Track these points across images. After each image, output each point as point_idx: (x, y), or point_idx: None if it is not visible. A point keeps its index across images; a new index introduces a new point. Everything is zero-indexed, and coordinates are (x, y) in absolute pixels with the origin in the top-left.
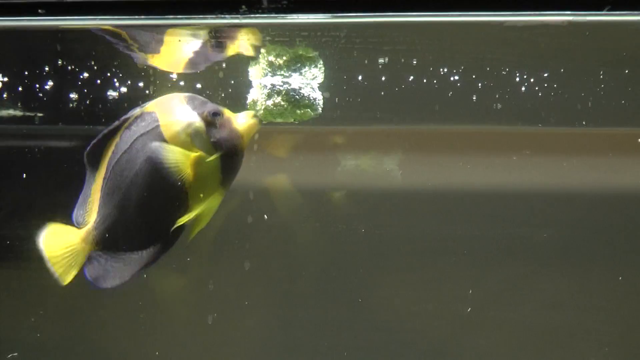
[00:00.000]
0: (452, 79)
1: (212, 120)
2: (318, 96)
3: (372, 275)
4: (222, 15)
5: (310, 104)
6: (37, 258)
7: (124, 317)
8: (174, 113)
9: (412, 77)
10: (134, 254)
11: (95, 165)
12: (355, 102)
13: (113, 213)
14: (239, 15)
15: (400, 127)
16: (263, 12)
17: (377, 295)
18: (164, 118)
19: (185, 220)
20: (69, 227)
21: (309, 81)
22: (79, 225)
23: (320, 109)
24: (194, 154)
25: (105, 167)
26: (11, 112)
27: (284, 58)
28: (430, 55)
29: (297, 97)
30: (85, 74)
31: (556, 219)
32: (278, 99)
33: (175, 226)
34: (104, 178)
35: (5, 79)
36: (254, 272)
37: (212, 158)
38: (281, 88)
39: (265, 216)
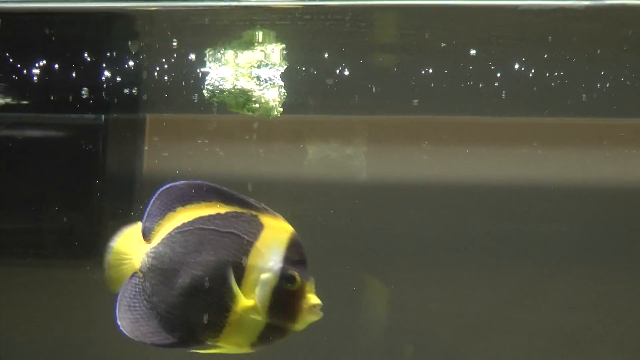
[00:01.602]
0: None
1: (282, 285)
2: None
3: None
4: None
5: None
6: None
7: None
8: (270, 246)
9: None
10: (150, 324)
11: (187, 199)
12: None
13: (164, 264)
14: None
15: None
16: None
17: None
18: (262, 242)
19: (204, 351)
20: (138, 238)
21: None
22: (144, 235)
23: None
24: (245, 302)
25: (192, 217)
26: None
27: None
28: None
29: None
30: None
31: (564, 214)
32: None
33: (196, 343)
34: (183, 224)
35: None
36: None
37: (255, 317)
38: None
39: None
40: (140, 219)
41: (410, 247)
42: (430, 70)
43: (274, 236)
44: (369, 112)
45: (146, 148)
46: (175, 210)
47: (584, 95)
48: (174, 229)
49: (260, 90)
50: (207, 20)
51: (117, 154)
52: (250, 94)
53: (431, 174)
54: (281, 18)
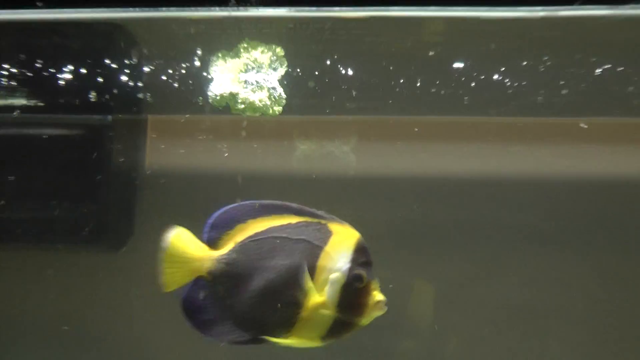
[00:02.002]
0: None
1: (350, 283)
2: (282, 93)
3: None
4: (213, 8)
5: (281, 100)
6: None
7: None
8: (338, 250)
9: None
10: (225, 324)
11: (258, 213)
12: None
13: (238, 269)
14: (228, 8)
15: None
16: (252, 5)
17: None
18: (331, 246)
19: (275, 341)
20: (196, 240)
21: (279, 79)
22: (207, 243)
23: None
24: (316, 298)
25: (264, 227)
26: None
27: (271, 56)
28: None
29: (275, 95)
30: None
31: (529, 205)
32: (263, 96)
33: (266, 337)
34: (256, 234)
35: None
36: None
37: (325, 312)
38: (264, 85)
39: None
40: (176, 222)
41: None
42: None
43: (342, 241)
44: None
45: (147, 145)
46: (245, 222)
47: (539, 98)
48: (246, 238)
49: (245, 92)
50: (202, 28)
51: (122, 150)
52: (237, 96)
53: (404, 169)
54: (267, 27)
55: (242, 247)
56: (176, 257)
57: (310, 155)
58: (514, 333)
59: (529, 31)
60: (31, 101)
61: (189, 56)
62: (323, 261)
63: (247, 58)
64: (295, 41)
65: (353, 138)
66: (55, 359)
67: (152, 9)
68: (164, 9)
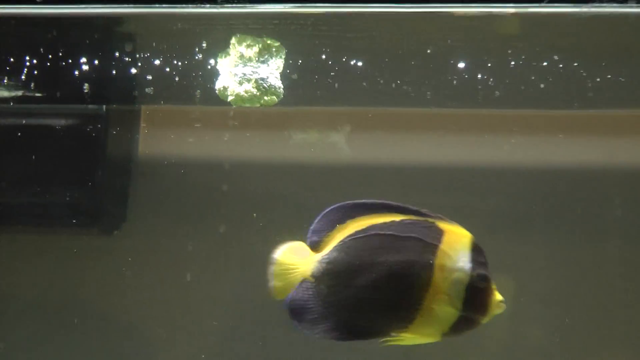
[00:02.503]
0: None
1: (475, 282)
2: (279, 84)
3: None
4: (202, 5)
5: (275, 91)
6: None
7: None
8: (455, 249)
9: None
10: (329, 320)
11: (357, 213)
12: (315, 85)
13: (340, 267)
14: (217, 6)
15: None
16: (240, 2)
17: None
18: (446, 245)
19: (391, 341)
20: (303, 247)
21: (274, 70)
22: (311, 249)
23: (282, 95)
24: (442, 297)
25: (365, 226)
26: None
27: (255, 49)
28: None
29: (265, 85)
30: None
31: (497, 192)
32: (249, 86)
33: (380, 335)
34: (356, 232)
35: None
36: (228, 235)
37: (451, 310)
38: (251, 77)
39: None
40: (290, 235)
41: None
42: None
43: (457, 240)
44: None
45: (141, 133)
46: (344, 223)
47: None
48: (346, 237)
49: (233, 84)
50: (192, 24)
51: (116, 139)
52: (227, 89)
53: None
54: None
55: (343, 245)
56: (282, 265)
57: (303, 144)
58: None
59: (495, 27)
60: (29, 92)
61: (182, 51)
62: (441, 259)
63: (235, 52)
64: (290, 35)
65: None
66: (50, 338)
67: (147, 5)
68: (157, 5)
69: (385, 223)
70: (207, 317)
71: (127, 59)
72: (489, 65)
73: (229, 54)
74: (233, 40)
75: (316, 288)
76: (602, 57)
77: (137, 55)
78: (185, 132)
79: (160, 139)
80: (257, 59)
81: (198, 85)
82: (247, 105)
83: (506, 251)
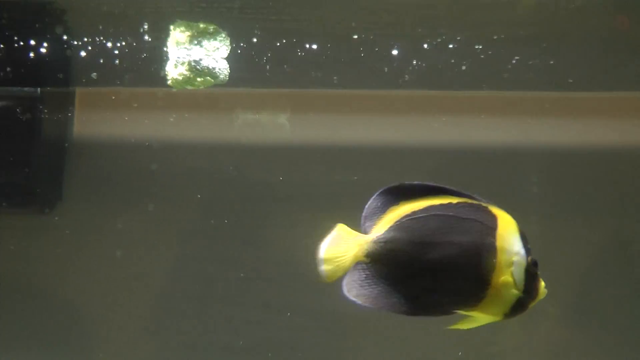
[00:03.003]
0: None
1: (530, 267)
2: (221, 65)
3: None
4: None
5: (210, 72)
6: None
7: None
8: (510, 233)
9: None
10: (394, 296)
11: (411, 194)
12: (252, 68)
13: (400, 246)
14: None
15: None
16: None
17: (267, 232)
18: (502, 229)
19: (457, 325)
20: (353, 232)
21: (210, 52)
22: (365, 232)
23: (223, 76)
24: (509, 278)
25: (422, 206)
26: None
27: (187, 34)
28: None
29: (198, 67)
30: None
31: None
32: (182, 69)
33: (448, 313)
34: (414, 212)
35: None
36: (158, 213)
37: (514, 292)
38: (184, 60)
39: None
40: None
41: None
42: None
43: (509, 225)
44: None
45: (75, 115)
46: (397, 204)
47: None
48: (402, 217)
49: (168, 68)
50: (123, 8)
51: (51, 120)
52: (167, 73)
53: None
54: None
55: (401, 225)
56: (336, 251)
57: (234, 125)
58: None
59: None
60: None
61: (116, 34)
62: (500, 242)
63: (172, 38)
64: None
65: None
66: None
67: None
68: None
69: (443, 204)
70: (137, 291)
71: (61, 42)
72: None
73: (168, 40)
74: (171, 27)
75: (374, 267)
76: (519, 41)
77: (71, 38)
78: (119, 113)
79: (94, 121)
80: (190, 42)
81: (131, 68)
82: (188, 87)
83: None
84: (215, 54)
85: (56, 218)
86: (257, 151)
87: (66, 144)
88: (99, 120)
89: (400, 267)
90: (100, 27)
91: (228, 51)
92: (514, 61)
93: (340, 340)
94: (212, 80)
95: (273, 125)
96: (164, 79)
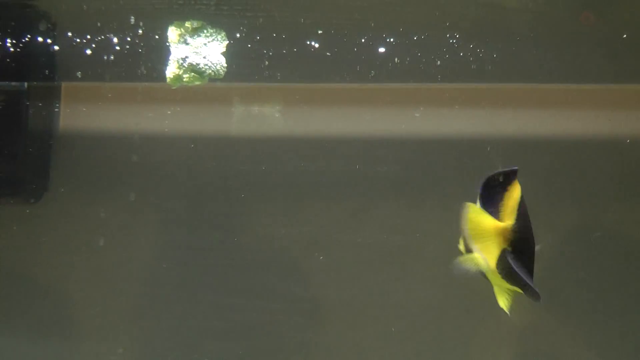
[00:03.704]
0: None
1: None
2: (218, 61)
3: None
4: None
5: (207, 68)
6: None
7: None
8: None
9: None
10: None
11: (510, 179)
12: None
13: (529, 235)
14: None
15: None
16: None
17: (245, 220)
18: None
19: None
20: (488, 217)
21: (196, 49)
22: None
23: (220, 72)
24: None
25: (519, 192)
26: None
27: (176, 32)
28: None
29: (184, 64)
30: None
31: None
32: (173, 68)
33: None
34: (521, 197)
35: None
36: (139, 202)
37: None
38: (180, 57)
39: None
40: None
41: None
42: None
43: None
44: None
45: (61, 109)
46: (507, 190)
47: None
48: (518, 204)
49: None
50: (105, 5)
51: (37, 114)
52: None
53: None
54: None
55: (523, 213)
56: (482, 235)
57: (215, 117)
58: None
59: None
60: None
61: (99, 30)
62: None
63: (168, 37)
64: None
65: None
66: None
67: None
68: None
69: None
70: (119, 278)
71: (47, 37)
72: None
73: (160, 37)
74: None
75: (516, 257)
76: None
77: (57, 34)
78: (102, 107)
79: (79, 114)
80: (183, 39)
81: (115, 63)
82: (182, 84)
83: (398, 215)
84: (211, 50)
85: (42, 208)
86: (236, 142)
87: (52, 137)
88: (83, 114)
89: (531, 256)
90: (84, 25)
91: (224, 47)
92: (482, 55)
93: (320, 324)
94: (209, 77)
95: (259, 117)
96: (147, 74)
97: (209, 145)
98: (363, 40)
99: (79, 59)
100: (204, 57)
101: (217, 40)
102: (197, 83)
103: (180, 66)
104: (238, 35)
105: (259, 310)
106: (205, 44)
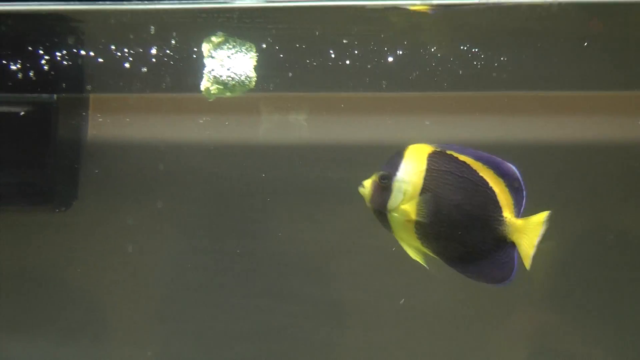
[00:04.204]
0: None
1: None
2: (250, 74)
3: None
4: (142, 2)
5: (240, 81)
6: None
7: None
8: None
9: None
10: None
11: None
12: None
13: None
14: (154, 1)
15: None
16: None
17: (268, 226)
18: None
19: None
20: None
21: (223, 62)
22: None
23: (252, 84)
24: None
25: None
26: None
27: (207, 46)
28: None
29: (210, 76)
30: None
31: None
32: (204, 82)
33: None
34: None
35: None
36: (166, 210)
37: None
38: (212, 70)
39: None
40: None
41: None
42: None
43: None
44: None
45: (89, 119)
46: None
47: None
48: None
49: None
50: (130, 19)
51: (67, 124)
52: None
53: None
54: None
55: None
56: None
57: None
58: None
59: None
60: None
61: (125, 44)
62: None
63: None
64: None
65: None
66: (7, 306)
67: (90, 2)
68: (99, 2)
69: None
70: (146, 283)
71: (76, 50)
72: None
73: (195, 50)
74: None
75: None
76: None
77: (85, 48)
78: (129, 117)
79: (107, 124)
80: (215, 52)
81: (142, 75)
82: (220, 95)
83: None
84: (239, 62)
85: (72, 216)
86: (260, 150)
87: (81, 146)
88: (111, 124)
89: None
90: (112, 38)
91: (253, 59)
92: (497, 63)
93: (342, 326)
94: (222, 88)
95: (283, 125)
96: (172, 85)
97: (234, 153)
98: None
99: (106, 71)
100: (233, 70)
101: (244, 51)
102: (229, 94)
103: (211, 79)
104: (264, 45)
105: (283, 313)
106: (229, 57)
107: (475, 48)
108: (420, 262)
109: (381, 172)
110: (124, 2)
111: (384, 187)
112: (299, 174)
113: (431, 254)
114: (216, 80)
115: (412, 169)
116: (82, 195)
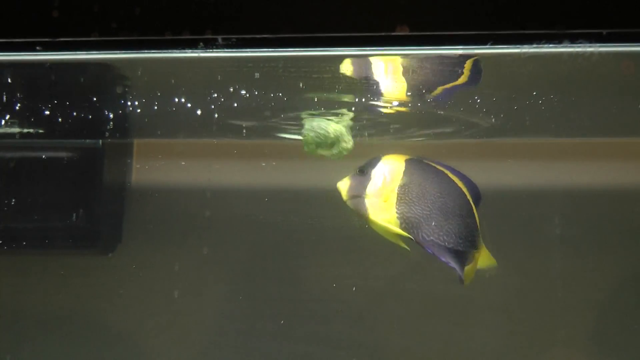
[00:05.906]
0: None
1: None
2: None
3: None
4: (185, 51)
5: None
6: None
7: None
8: None
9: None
10: None
11: None
12: None
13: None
14: (198, 51)
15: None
16: (218, 48)
17: (312, 272)
18: None
19: None
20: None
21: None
22: None
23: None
24: None
25: None
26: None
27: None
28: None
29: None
30: None
31: None
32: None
33: None
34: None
35: None
36: (212, 255)
37: None
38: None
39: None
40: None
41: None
42: None
43: None
44: None
45: (133, 164)
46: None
47: None
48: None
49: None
50: (176, 68)
51: (111, 169)
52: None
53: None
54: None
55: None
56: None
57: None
58: None
59: None
60: (35, 129)
61: (169, 92)
62: None
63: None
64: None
65: None
66: (54, 349)
67: (141, 51)
68: (145, 51)
69: None
70: (189, 328)
71: (121, 99)
72: None
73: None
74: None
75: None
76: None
77: (130, 96)
78: (173, 162)
79: (151, 169)
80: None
81: (182, 122)
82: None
83: None
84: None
85: (116, 259)
86: (304, 195)
87: (125, 191)
88: (155, 169)
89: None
90: (156, 86)
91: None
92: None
93: None
94: (344, 151)
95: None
96: (215, 131)
97: (277, 198)
98: None
99: (150, 118)
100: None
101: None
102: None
103: (310, 137)
104: None
105: (325, 358)
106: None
107: None
108: (400, 243)
109: (360, 165)
110: (177, 51)
111: (363, 175)
112: (344, 220)
113: (407, 235)
114: (311, 138)
115: (391, 162)
116: (126, 239)
